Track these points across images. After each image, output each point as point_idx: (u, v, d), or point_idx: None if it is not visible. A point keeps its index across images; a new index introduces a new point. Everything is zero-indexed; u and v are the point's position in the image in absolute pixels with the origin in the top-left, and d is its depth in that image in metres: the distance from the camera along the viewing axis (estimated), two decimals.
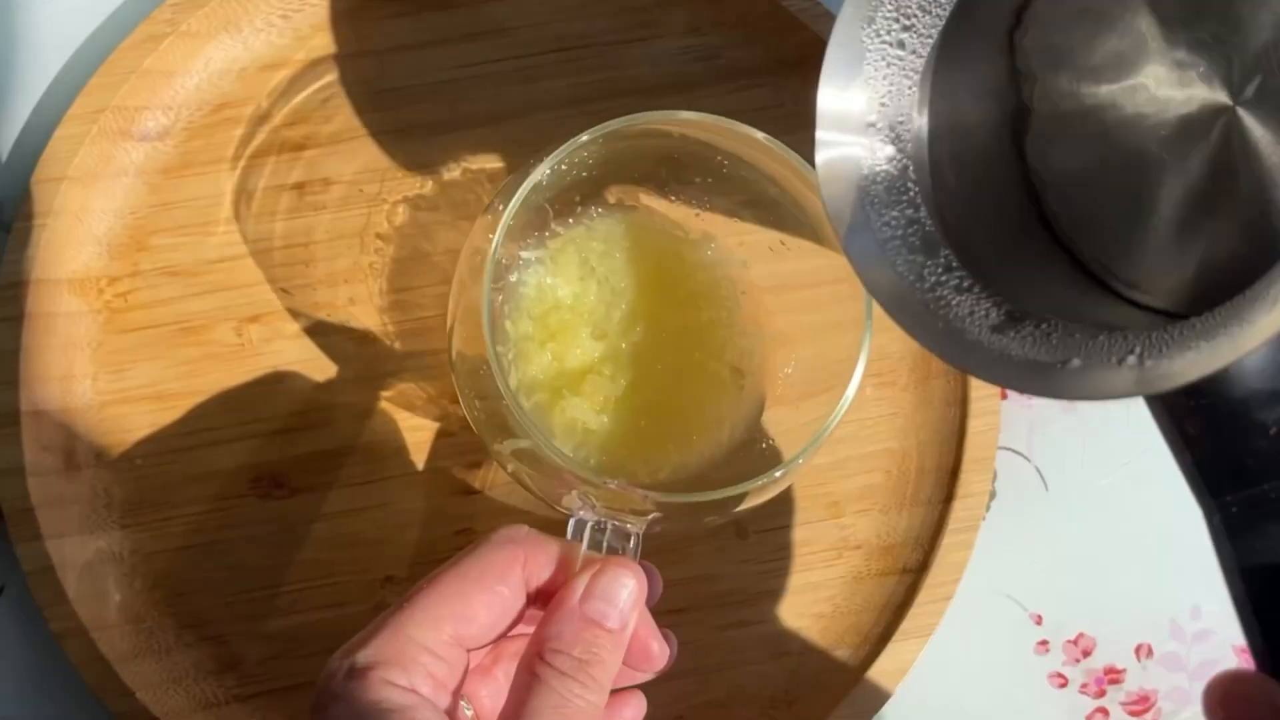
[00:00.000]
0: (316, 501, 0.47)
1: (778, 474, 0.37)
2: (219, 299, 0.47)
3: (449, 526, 0.47)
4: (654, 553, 0.47)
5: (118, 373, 0.47)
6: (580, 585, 0.36)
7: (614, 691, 0.37)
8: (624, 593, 0.36)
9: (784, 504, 0.48)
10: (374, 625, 0.35)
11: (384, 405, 0.47)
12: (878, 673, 0.46)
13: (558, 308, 0.41)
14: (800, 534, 0.48)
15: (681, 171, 0.42)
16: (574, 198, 0.40)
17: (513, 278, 0.40)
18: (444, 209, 0.48)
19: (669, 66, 0.49)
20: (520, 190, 0.37)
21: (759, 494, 0.39)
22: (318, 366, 0.47)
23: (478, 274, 0.37)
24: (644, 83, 0.49)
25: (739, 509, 0.40)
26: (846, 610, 0.47)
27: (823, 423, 0.48)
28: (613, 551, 0.37)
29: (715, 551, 0.47)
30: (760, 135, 0.38)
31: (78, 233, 0.47)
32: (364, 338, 0.47)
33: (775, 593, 0.47)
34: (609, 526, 0.37)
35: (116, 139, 0.47)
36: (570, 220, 0.41)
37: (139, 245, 0.47)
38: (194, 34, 0.47)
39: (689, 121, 0.39)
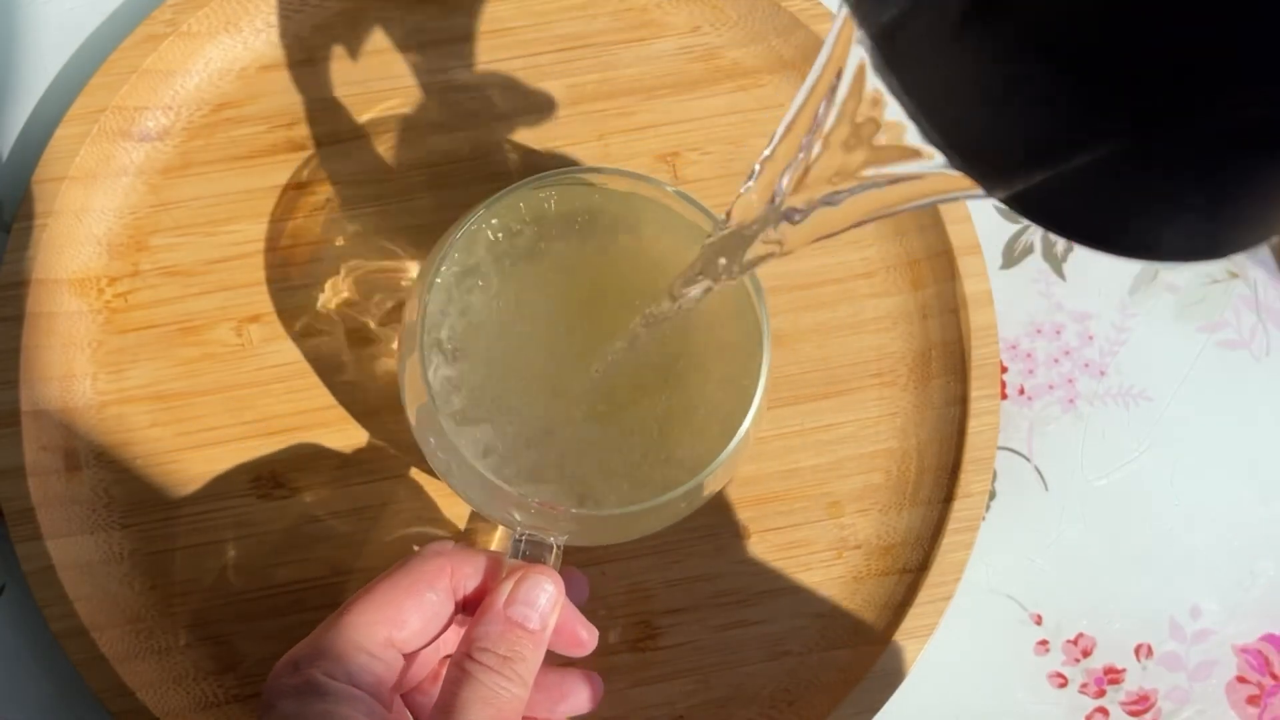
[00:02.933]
0: (316, 501, 0.47)
1: (678, 492, 0.40)
2: (219, 299, 0.47)
3: (449, 527, 0.47)
4: (651, 555, 0.47)
5: (118, 373, 0.47)
6: (505, 590, 0.39)
7: (572, 671, 0.43)
8: (543, 597, 0.39)
9: (784, 504, 0.48)
10: (314, 633, 0.39)
11: (384, 405, 0.47)
12: (878, 673, 0.46)
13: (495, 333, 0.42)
14: (800, 534, 0.48)
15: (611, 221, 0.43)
16: (516, 246, 0.41)
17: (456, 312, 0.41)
18: (443, 208, 0.48)
19: (669, 66, 0.49)
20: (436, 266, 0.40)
21: (672, 510, 0.41)
22: (318, 366, 0.47)
23: (412, 339, 0.40)
24: (644, 83, 0.49)
25: (666, 523, 0.42)
26: (846, 610, 0.47)
27: (826, 428, 0.48)
28: (537, 560, 0.40)
29: (715, 551, 0.48)
30: (670, 189, 0.41)
31: (78, 233, 0.47)
32: (364, 337, 0.48)
33: (775, 593, 0.47)
34: (526, 537, 0.41)
35: (116, 139, 0.47)
36: (511, 262, 0.42)
37: (139, 245, 0.47)
38: (194, 34, 0.47)
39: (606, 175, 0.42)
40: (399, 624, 0.39)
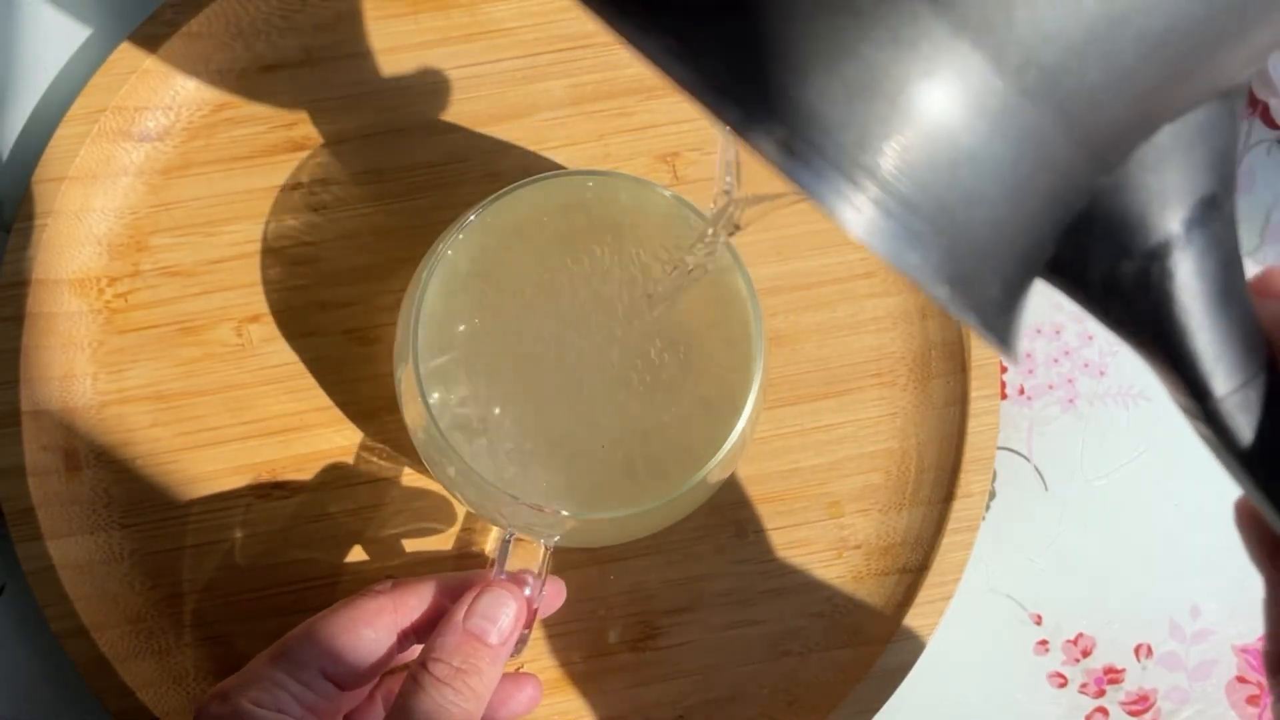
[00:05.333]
0: (316, 501, 0.47)
1: (674, 495, 0.40)
2: (219, 299, 0.47)
3: (449, 526, 0.47)
4: (651, 555, 0.47)
5: (118, 373, 0.47)
6: (466, 602, 0.39)
7: (508, 675, 0.43)
8: (505, 614, 0.39)
9: (784, 504, 0.48)
10: (246, 667, 0.39)
11: (383, 406, 0.47)
12: (878, 673, 0.46)
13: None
14: (800, 534, 0.48)
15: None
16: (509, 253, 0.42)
17: (461, 328, 0.41)
18: (443, 208, 0.48)
19: None
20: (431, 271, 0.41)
21: (668, 513, 0.41)
22: (318, 366, 0.47)
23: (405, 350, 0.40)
24: (644, 83, 0.49)
25: (662, 525, 0.42)
26: (846, 610, 0.48)
27: (826, 428, 0.49)
28: (524, 563, 0.41)
29: (715, 551, 0.48)
30: (667, 193, 0.41)
31: (78, 233, 0.47)
32: (364, 337, 0.48)
33: (775, 593, 0.47)
34: (515, 537, 0.41)
35: (117, 139, 0.47)
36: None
37: (139, 245, 0.47)
38: (194, 34, 0.47)
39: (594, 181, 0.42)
40: (334, 659, 0.39)
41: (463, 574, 0.43)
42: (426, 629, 0.40)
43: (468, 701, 0.38)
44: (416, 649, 0.41)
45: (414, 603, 0.40)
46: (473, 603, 0.39)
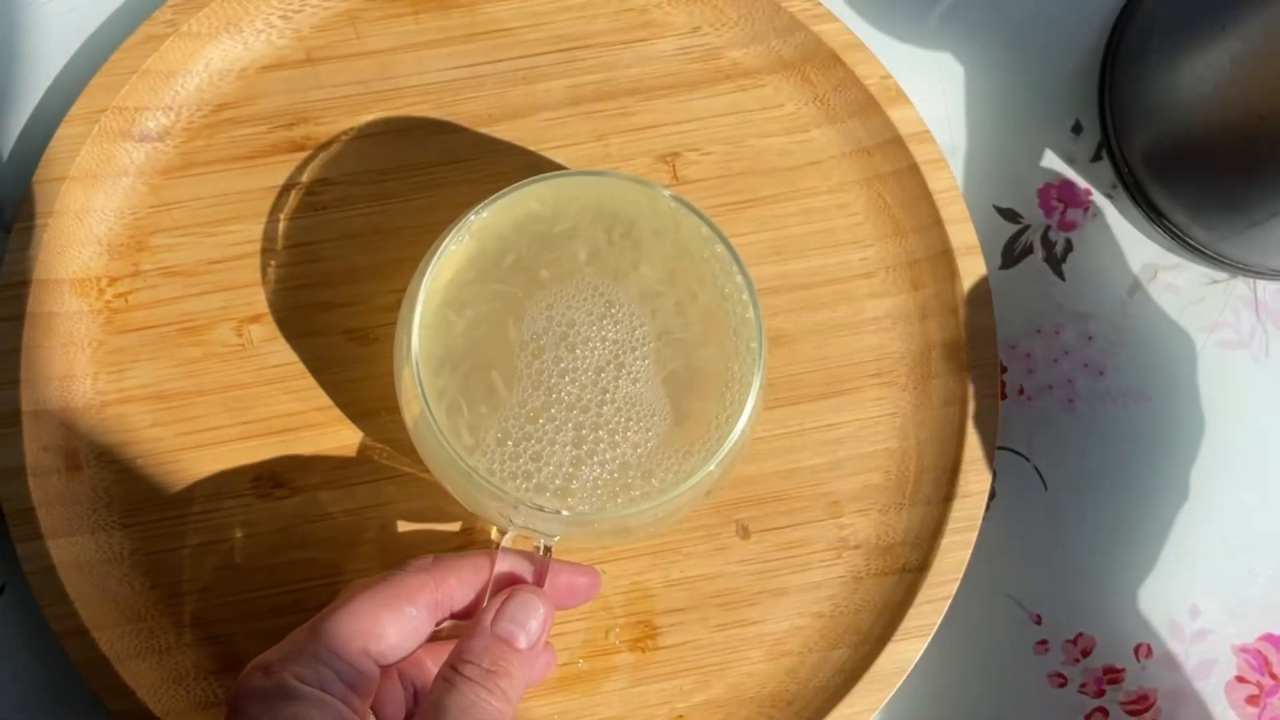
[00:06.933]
0: (316, 501, 0.47)
1: (673, 495, 0.40)
2: (219, 299, 0.47)
3: (449, 526, 0.47)
4: (651, 555, 0.47)
5: (118, 373, 0.47)
6: (494, 607, 0.39)
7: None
8: (534, 618, 0.39)
9: (784, 504, 0.48)
10: (289, 637, 0.39)
11: (383, 405, 0.47)
12: (877, 672, 0.46)
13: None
14: (800, 534, 0.48)
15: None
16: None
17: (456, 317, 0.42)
18: (443, 208, 0.48)
19: (669, 67, 0.49)
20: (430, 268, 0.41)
21: (668, 512, 0.41)
22: (318, 366, 0.47)
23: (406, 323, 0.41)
24: (644, 83, 0.49)
25: (662, 525, 0.42)
26: (846, 610, 0.48)
27: (826, 428, 0.49)
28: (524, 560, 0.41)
29: (715, 551, 0.48)
30: (666, 192, 0.41)
31: (78, 233, 0.47)
32: (364, 337, 0.48)
33: (775, 593, 0.47)
34: (516, 537, 0.41)
35: (117, 139, 0.47)
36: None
37: (139, 245, 0.47)
38: (194, 34, 0.48)
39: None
40: (376, 636, 0.38)
41: (499, 553, 0.42)
42: (465, 612, 0.40)
43: (499, 701, 0.38)
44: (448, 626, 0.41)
45: (453, 582, 0.40)
46: (501, 606, 0.39)
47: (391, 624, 0.39)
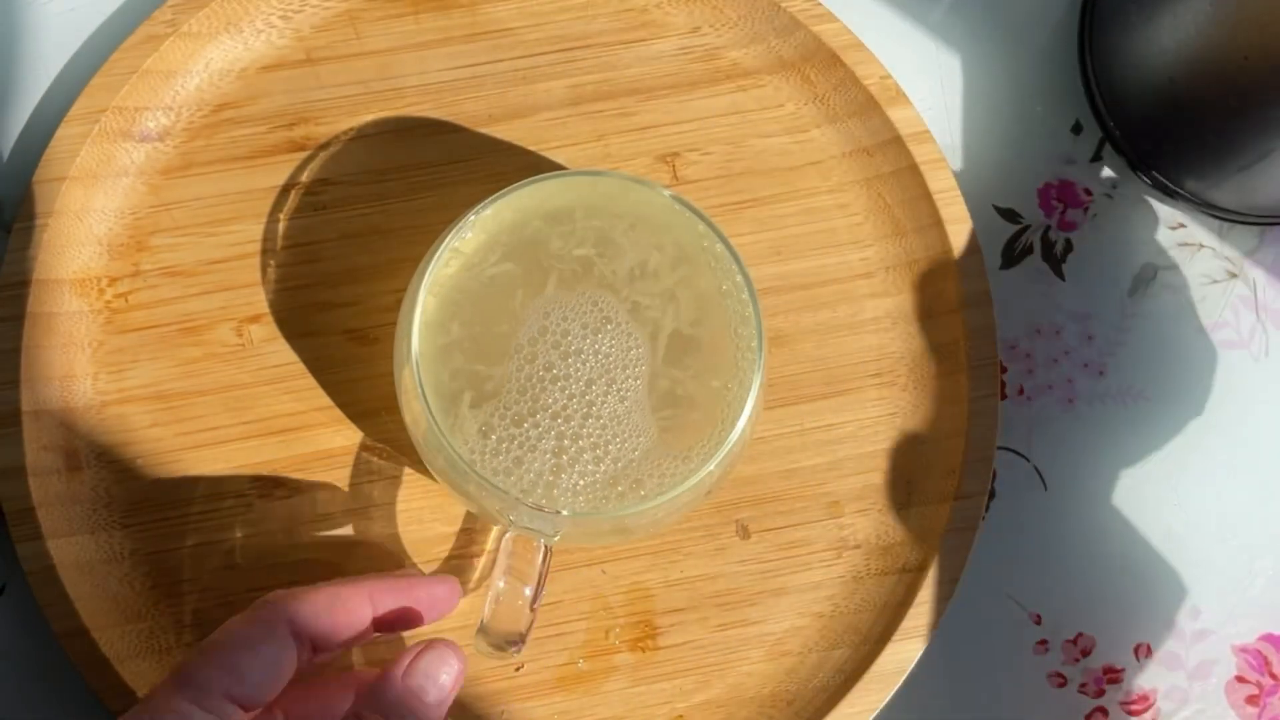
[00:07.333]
0: (316, 501, 0.47)
1: (672, 494, 0.40)
2: (219, 299, 0.47)
3: (449, 526, 0.47)
4: (651, 555, 0.47)
5: (118, 373, 0.47)
6: (406, 659, 0.39)
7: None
8: (445, 674, 0.39)
9: (784, 504, 0.48)
10: (148, 693, 0.38)
11: (383, 405, 0.47)
12: (877, 672, 0.46)
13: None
14: (800, 534, 0.48)
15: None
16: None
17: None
18: (443, 208, 0.48)
19: (669, 66, 0.49)
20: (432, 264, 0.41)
21: (668, 512, 0.41)
22: (318, 366, 0.47)
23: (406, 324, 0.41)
24: (644, 83, 0.49)
25: (662, 525, 0.43)
26: (846, 610, 0.48)
27: (826, 428, 0.49)
28: (526, 558, 0.41)
29: (715, 551, 0.48)
30: (666, 193, 0.41)
31: (78, 233, 0.47)
32: (364, 337, 0.48)
33: (775, 593, 0.47)
34: (515, 537, 0.41)
35: (117, 139, 0.47)
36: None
37: (139, 245, 0.47)
38: (194, 34, 0.48)
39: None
40: (236, 679, 0.38)
41: (365, 579, 0.41)
42: (327, 637, 0.40)
43: None
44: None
45: (309, 611, 0.39)
46: (414, 659, 0.39)
47: (249, 665, 0.38)
